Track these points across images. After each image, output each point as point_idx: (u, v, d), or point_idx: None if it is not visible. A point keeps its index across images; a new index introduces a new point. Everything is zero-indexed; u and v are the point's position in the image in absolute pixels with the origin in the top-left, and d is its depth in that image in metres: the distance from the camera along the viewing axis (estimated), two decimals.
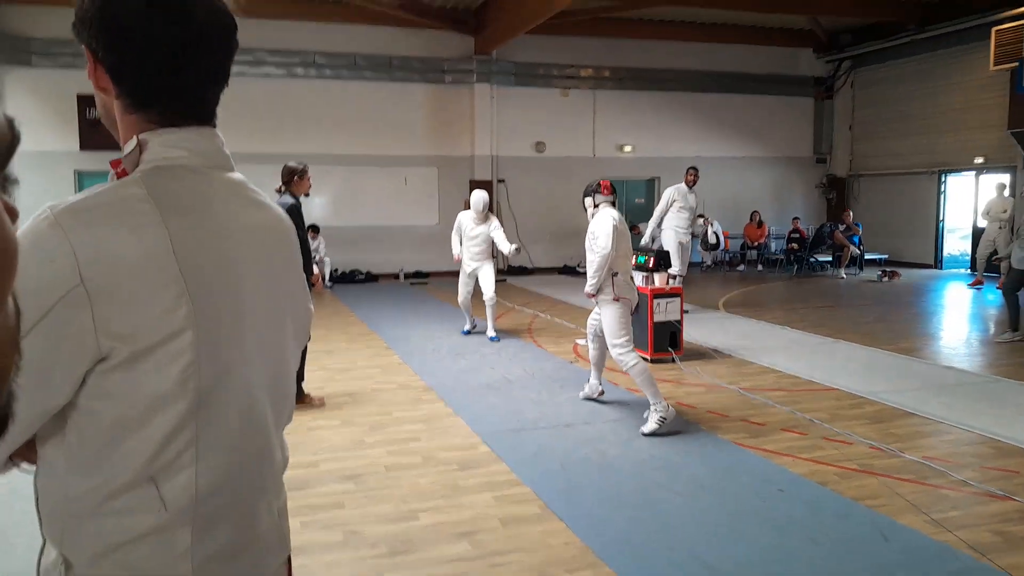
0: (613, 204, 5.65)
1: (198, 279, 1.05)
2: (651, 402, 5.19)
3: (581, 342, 8.43)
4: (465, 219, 8.41)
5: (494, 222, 8.34)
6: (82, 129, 13.15)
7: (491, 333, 8.38)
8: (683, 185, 9.75)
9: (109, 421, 1.02)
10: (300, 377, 5.62)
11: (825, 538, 3.68)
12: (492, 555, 3.53)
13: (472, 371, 7.07)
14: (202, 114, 1.17)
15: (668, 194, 9.79)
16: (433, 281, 14.73)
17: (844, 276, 14.72)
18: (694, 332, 8.59)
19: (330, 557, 3.52)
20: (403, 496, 4.23)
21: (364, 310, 10.91)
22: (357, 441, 5.14)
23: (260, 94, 14.14)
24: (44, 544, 1.10)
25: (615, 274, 5.39)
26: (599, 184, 5.67)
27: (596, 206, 5.62)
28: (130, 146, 1.11)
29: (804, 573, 3.34)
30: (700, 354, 7.78)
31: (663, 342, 7.36)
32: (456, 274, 15.53)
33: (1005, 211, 12.50)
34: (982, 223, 13.29)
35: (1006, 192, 12.94)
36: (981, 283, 12.89)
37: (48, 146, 13.05)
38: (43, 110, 13.12)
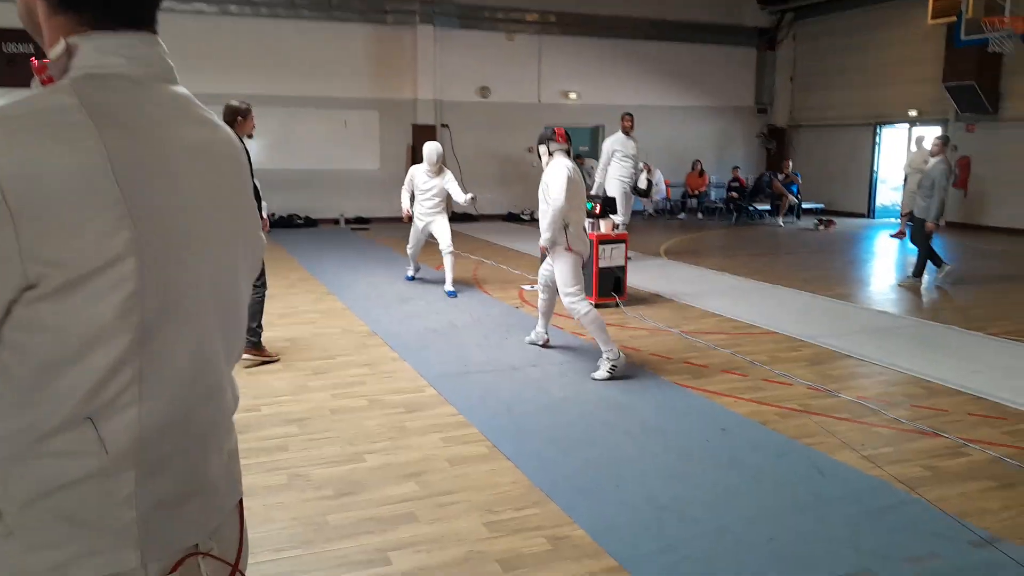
0: (568, 153, 5.50)
1: (141, 201, 0.94)
2: (603, 349, 5.18)
3: (527, 287, 8.42)
4: (418, 172, 8.05)
5: (448, 175, 8.02)
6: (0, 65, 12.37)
7: (448, 287, 7.93)
8: (620, 133, 9.66)
9: (40, 356, 0.92)
10: (259, 327, 5.46)
11: (766, 475, 3.77)
12: (439, 495, 3.51)
13: (417, 316, 6.99)
14: (142, 18, 1.03)
15: (608, 145, 9.69)
16: (375, 227, 14.49)
17: (782, 224, 15.03)
18: (637, 278, 8.66)
19: (275, 499, 3.45)
20: (349, 439, 4.17)
21: (304, 256, 10.67)
22: (300, 385, 5.04)
23: (191, 32, 13.45)
24: None
25: (567, 225, 5.29)
26: (553, 131, 5.50)
27: (550, 154, 5.46)
28: (57, 50, 0.98)
29: (747, 509, 3.42)
30: (643, 299, 7.85)
31: (607, 287, 7.40)
32: (398, 220, 15.29)
33: (926, 162, 12.84)
34: (903, 176, 13.64)
35: (925, 144, 13.28)
36: (904, 234, 13.30)
37: None
38: None
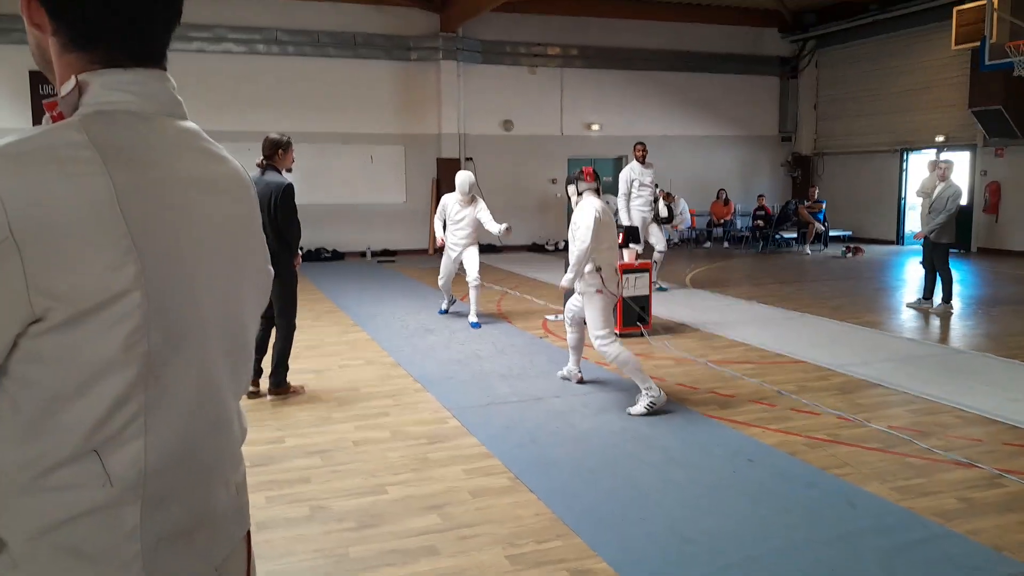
0: (597, 192, 5.40)
1: (147, 235, 0.95)
2: (641, 387, 5.06)
3: (550, 318, 8.40)
4: (450, 202, 7.97)
5: (480, 204, 7.92)
6: (35, 106, 12.71)
7: (472, 318, 7.90)
8: (635, 164, 9.64)
9: (45, 389, 0.93)
10: (285, 366, 5.43)
11: (795, 506, 3.69)
12: (461, 527, 3.48)
13: (441, 347, 7.00)
14: (151, 55, 1.05)
15: (625, 175, 9.62)
16: (400, 259, 14.60)
17: (809, 252, 14.89)
18: (662, 307, 8.61)
19: (296, 532, 3.44)
20: (371, 470, 4.16)
21: (331, 288, 10.76)
22: (324, 417, 5.06)
23: (221, 71, 13.80)
24: None
25: (599, 268, 5.18)
26: (581, 172, 5.44)
27: (579, 194, 5.40)
28: (67, 87, 1.00)
29: (775, 541, 3.35)
30: (669, 329, 7.79)
31: (632, 316, 7.36)
32: (423, 252, 15.33)
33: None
34: (917, 200, 13.51)
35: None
36: None
37: (2, 123, 12.62)
38: None
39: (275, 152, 5.24)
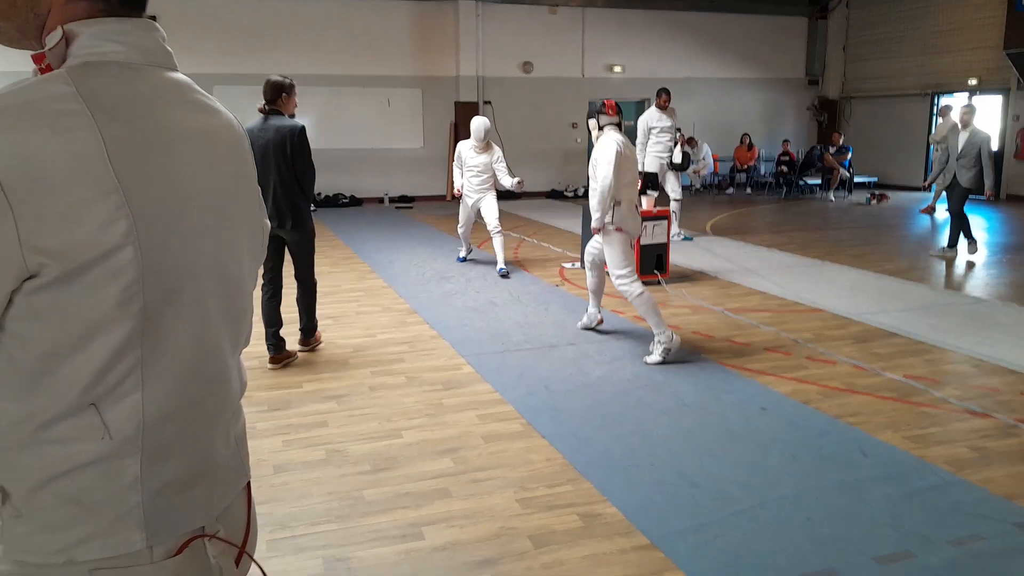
0: (619, 126, 5.27)
1: (139, 190, 0.94)
2: (655, 332, 5.03)
3: (567, 265, 8.38)
4: (465, 148, 7.91)
5: (497, 152, 7.86)
6: None
7: (500, 265, 7.81)
8: (654, 109, 9.41)
9: (41, 345, 0.93)
10: (312, 318, 5.26)
11: (805, 454, 3.71)
12: (474, 471, 3.54)
13: (457, 294, 7.03)
14: (137, 3, 1.04)
15: (643, 122, 9.43)
16: (418, 205, 14.58)
17: (833, 199, 14.65)
18: (680, 255, 8.55)
19: (312, 474, 3.52)
20: (387, 415, 4.23)
21: (348, 235, 10.79)
22: (341, 362, 5.12)
23: (237, 13, 13.64)
24: None
25: (618, 203, 5.08)
26: (603, 104, 5.29)
27: (600, 128, 5.25)
28: (54, 38, 0.97)
29: (784, 488, 3.37)
30: (686, 277, 7.75)
31: (649, 264, 7.32)
32: (441, 198, 15.29)
33: (940, 134, 12.56)
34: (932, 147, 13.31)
35: (953, 115, 12.87)
36: (933, 209, 12.93)
37: (10, 67, 12.59)
38: None
39: (279, 95, 4.92)
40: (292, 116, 5.02)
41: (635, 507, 3.21)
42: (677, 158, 9.35)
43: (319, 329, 5.47)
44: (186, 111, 1.06)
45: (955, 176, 8.67)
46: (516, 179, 7.70)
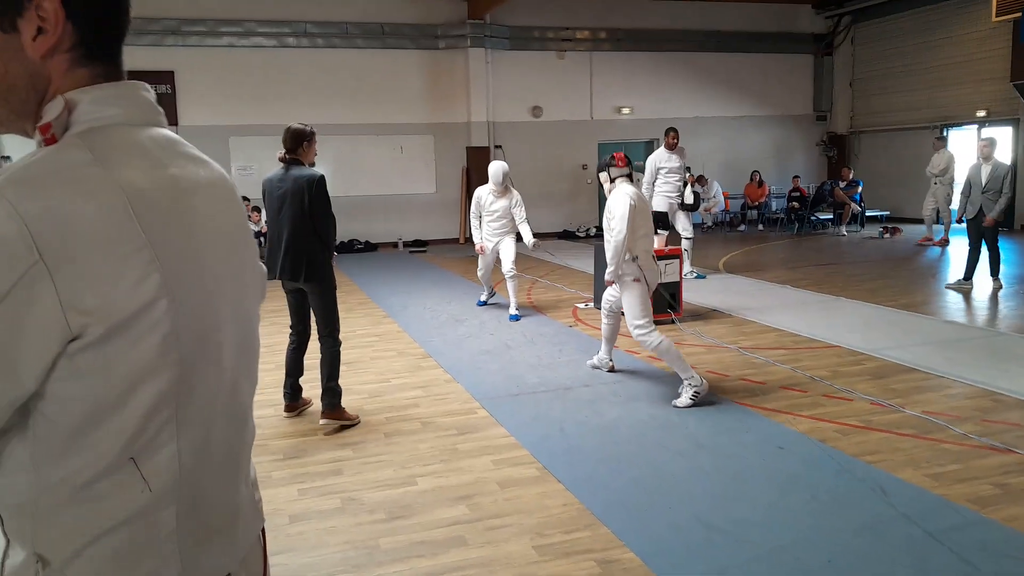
0: (630, 177, 5.30)
1: (164, 243, 0.97)
2: (683, 377, 4.98)
3: (580, 306, 8.39)
4: (484, 193, 7.89)
5: (515, 196, 7.82)
6: None
7: (512, 311, 7.77)
8: (662, 150, 9.47)
9: (84, 404, 0.94)
10: (337, 385, 4.79)
11: (825, 494, 3.66)
12: (490, 518, 3.52)
13: (471, 337, 7.05)
14: (121, 66, 1.07)
15: (651, 162, 9.47)
16: (432, 249, 14.69)
17: (845, 234, 14.64)
18: (694, 294, 8.55)
19: (328, 524, 3.51)
20: (402, 462, 4.22)
21: (363, 279, 10.87)
22: (356, 408, 5.12)
23: (251, 65, 13.97)
24: (7, 545, 1.00)
25: (635, 257, 5.10)
26: (612, 157, 5.32)
27: (612, 181, 5.28)
28: (56, 108, 0.98)
29: (804, 530, 3.33)
30: (700, 315, 7.74)
31: (662, 303, 7.31)
32: (455, 241, 15.38)
33: (939, 167, 12.62)
34: (957, 178, 13.34)
35: (950, 147, 13.00)
36: (930, 240, 12.87)
37: None
38: None
39: (299, 144, 4.75)
40: (312, 164, 4.85)
41: (653, 552, 3.17)
42: (688, 199, 9.40)
43: (349, 409, 4.90)
44: (187, 164, 1.09)
45: (981, 210, 8.65)
46: (533, 240, 7.72)
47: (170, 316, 0.96)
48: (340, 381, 4.82)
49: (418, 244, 15.10)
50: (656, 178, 9.39)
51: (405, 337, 7.19)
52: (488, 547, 3.26)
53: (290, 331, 5.00)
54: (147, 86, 1.09)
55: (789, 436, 4.41)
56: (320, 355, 4.79)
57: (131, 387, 0.95)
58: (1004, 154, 14.30)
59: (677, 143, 9.46)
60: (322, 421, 4.74)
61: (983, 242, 8.78)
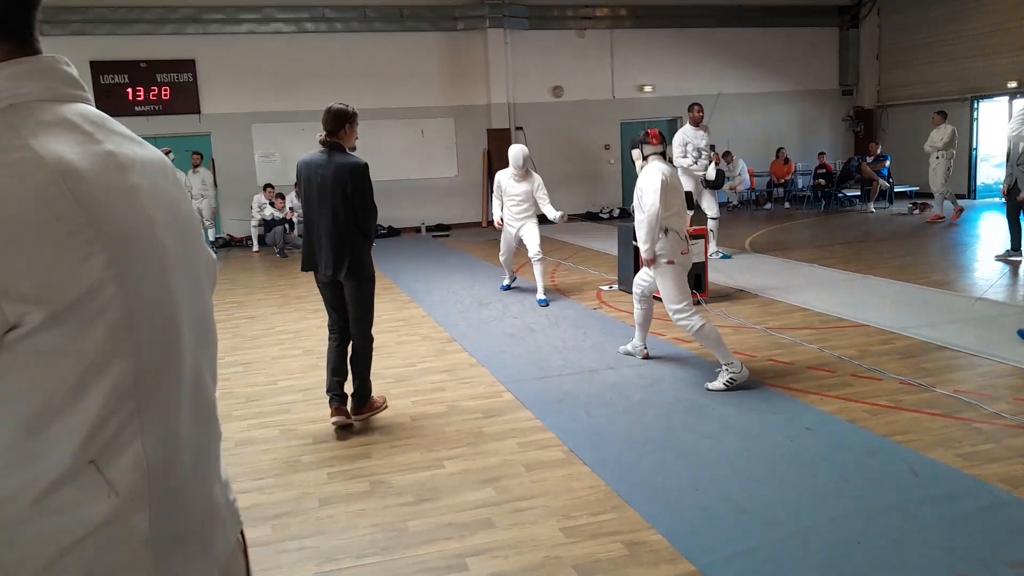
0: (663, 156, 5.18)
1: (106, 222, 0.89)
2: (722, 362, 4.87)
3: (605, 288, 8.37)
4: (504, 177, 7.83)
5: (537, 180, 7.76)
6: (97, 96, 13.13)
7: (540, 296, 7.67)
8: (688, 126, 9.36)
9: (30, 402, 0.85)
10: (368, 382, 4.62)
11: (854, 475, 3.63)
12: (516, 500, 3.54)
13: (495, 321, 7.06)
14: (37, 40, 0.99)
15: (679, 138, 9.34)
16: (455, 233, 14.70)
17: (873, 210, 14.42)
18: (720, 274, 8.48)
19: (357, 507, 3.55)
20: (429, 445, 4.25)
21: (386, 265, 10.90)
22: (383, 392, 5.15)
23: (271, 52, 13.99)
24: None
25: (664, 231, 4.95)
26: (647, 134, 5.16)
27: (645, 158, 5.14)
28: None
29: (833, 510, 3.31)
30: (726, 296, 7.68)
31: (688, 284, 7.24)
32: (477, 225, 15.38)
33: (943, 140, 12.34)
34: (992, 151, 13.14)
35: (950, 122, 12.69)
36: (942, 218, 12.63)
37: None
38: None
39: (341, 126, 4.34)
40: (353, 149, 4.49)
41: (681, 533, 3.17)
42: (711, 175, 9.29)
43: (376, 394, 4.75)
44: (122, 141, 1.00)
45: (1016, 182, 8.56)
46: (560, 213, 7.65)
47: (120, 300, 0.89)
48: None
49: (440, 228, 15.12)
50: (684, 155, 9.25)
51: (430, 321, 7.21)
52: (515, 529, 3.28)
53: (329, 329, 4.63)
54: (67, 60, 1.01)
55: (818, 417, 4.38)
56: (353, 351, 4.55)
57: (82, 381, 0.87)
58: None
59: (702, 118, 9.33)
60: (354, 419, 4.55)
61: (1021, 214, 8.72)
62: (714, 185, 9.39)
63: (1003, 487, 3.44)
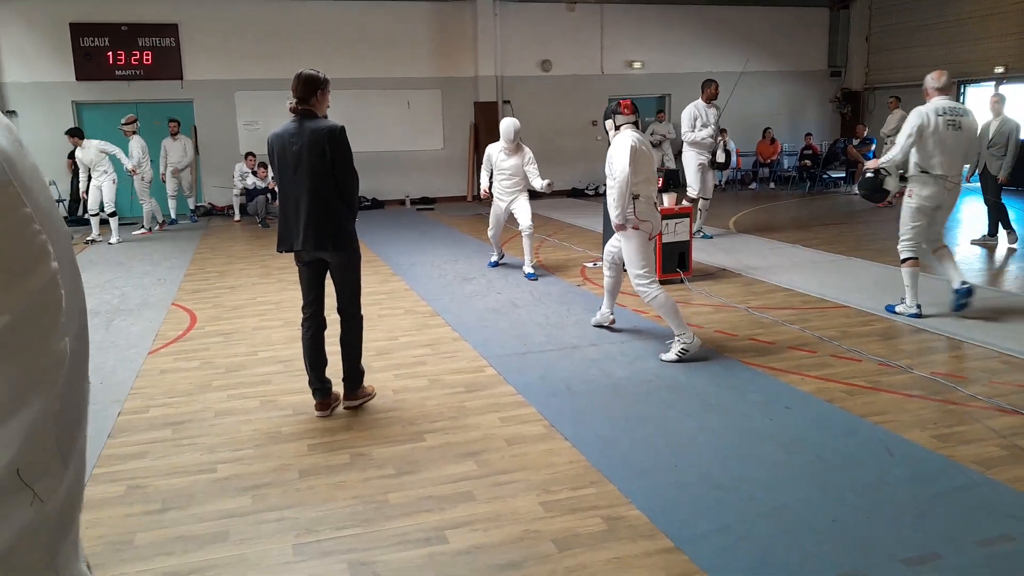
0: (636, 125, 5.20)
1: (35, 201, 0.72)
2: (675, 332, 4.99)
3: (588, 265, 8.37)
4: (495, 151, 7.76)
5: (527, 154, 7.70)
6: (77, 59, 12.88)
7: (528, 269, 7.72)
8: (700, 101, 9.24)
9: None
10: (357, 363, 4.44)
11: (831, 454, 3.68)
12: (497, 474, 3.56)
13: (478, 296, 7.05)
14: None
15: (689, 113, 9.12)
16: (439, 207, 14.62)
17: (858, 192, 14.47)
18: (703, 253, 8.50)
19: (337, 479, 3.55)
20: (410, 418, 4.25)
21: (370, 237, 10.84)
22: (364, 366, 5.14)
23: (256, 18, 13.76)
24: None
25: (636, 196, 5.00)
26: (619, 104, 5.20)
27: (617, 128, 5.18)
28: None
29: (809, 489, 3.35)
30: (710, 275, 7.71)
31: (671, 263, 7.28)
32: (462, 199, 15.32)
33: (891, 127, 12.48)
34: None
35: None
36: (890, 204, 12.69)
37: (44, 76, 12.83)
38: (37, 40, 12.83)
39: (312, 93, 4.15)
40: (325, 117, 4.25)
41: (659, 509, 3.20)
42: (721, 157, 9.26)
43: (366, 383, 4.57)
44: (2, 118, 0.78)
45: (986, 165, 8.71)
46: (546, 181, 7.60)
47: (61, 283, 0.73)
48: None
49: (425, 201, 15.03)
50: (694, 128, 9.05)
51: (412, 295, 7.19)
52: (495, 502, 3.30)
53: (303, 313, 4.35)
54: None
55: (797, 396, 4.42)
56: (341, 335, 4.35)
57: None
58: (1020, 111, 14.09)
59: (716, 96, 9.16)
60: (344, 406, 4.40)
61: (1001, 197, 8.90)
62: (722, 166, 9.40)
63: (976, 468, 3.49)
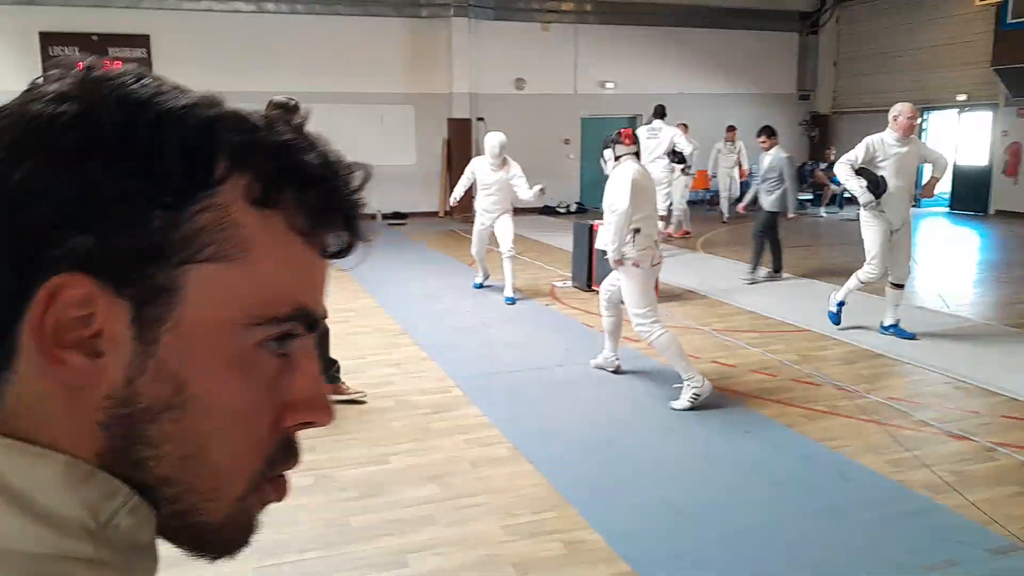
0: (636, 156, 4.98)
1: None
2: (683, 377, 4.66)
3: (558, 284, 8.44)
4: (480, 165, 7.47)
5: (514, 168, 7.36)
6: (46, 69, 12.74)
7: (508, 293, 7.45)
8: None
9: None
10: (329, 363, 4.57)
11: (786, 479, 3.77)
12: (460, 497, 3.59)
13: (448, 315, 7.08)
14: None
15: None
16: (411, 222, 14.64)
17: (824, 215, 14.77)
18: (670, 274, 8.60)
19: (300, 501, 3.55)
20: (375, 439, 4.27)
21: None
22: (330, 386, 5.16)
23: (229, 31, 13.71)
24: None
25: (636, 231, 4.73)
26: (619, 134, 4.94)
27: (617, 159, 4.92)
28: None
29: (765, 514, 3.43)
30: (675, 296, 7.82)
31: None
32: (434, 215, 15.33)
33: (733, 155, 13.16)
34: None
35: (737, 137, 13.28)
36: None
37: (12, 86, 12.61)
38: (4, 49, 12.70)
39: None
40: None
41: (618, 533, 3.26)
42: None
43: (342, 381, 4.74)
44: None
45: (757, 197, 8.80)
46: (538, 187, 7.31)
47: None
48: None
49: (397, 216, 15.04)
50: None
51: (381, 313, 7.21)
52: (457, 526, 3.33)
53: None
54: None
55: (756, 420, 4.51)
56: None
57: None
58: (983, 139, 14.51)
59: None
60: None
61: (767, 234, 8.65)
62: (680, 161, 9.70)
63: (926, 493, 3.60)
